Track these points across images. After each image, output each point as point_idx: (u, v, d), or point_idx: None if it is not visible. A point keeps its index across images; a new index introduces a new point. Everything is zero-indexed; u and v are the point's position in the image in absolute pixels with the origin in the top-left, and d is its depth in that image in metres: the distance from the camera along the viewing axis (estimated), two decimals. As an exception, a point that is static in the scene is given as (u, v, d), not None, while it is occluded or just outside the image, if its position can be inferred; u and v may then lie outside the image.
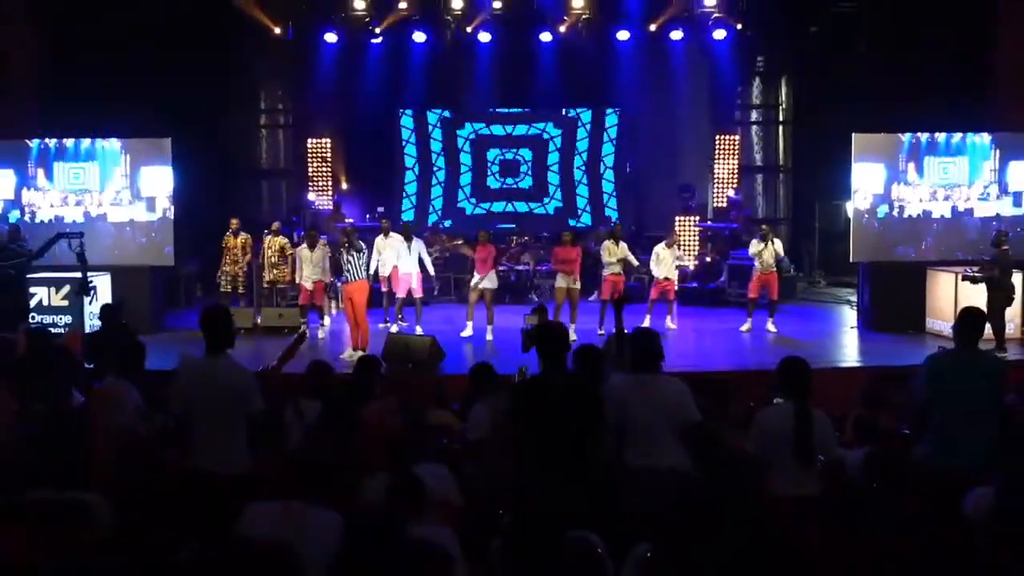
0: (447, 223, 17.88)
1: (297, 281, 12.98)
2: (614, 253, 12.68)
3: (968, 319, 5.63)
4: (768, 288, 12.83)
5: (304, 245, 12.84)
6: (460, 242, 15.75)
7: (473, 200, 18.59)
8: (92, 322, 12.21)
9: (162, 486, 4.85)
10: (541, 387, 5.05)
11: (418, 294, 12.85)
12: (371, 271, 12.52)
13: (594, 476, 4.85)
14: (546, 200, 18.62)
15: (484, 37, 16.95)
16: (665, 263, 12.93)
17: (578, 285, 12.46)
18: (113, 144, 13.24)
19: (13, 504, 3.96)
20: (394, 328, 12.77)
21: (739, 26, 16.59)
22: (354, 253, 11.18)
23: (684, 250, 15.87)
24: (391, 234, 13.24)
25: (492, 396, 6.32)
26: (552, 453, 4.88)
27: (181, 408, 5.05)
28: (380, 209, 13.55)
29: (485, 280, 12.36)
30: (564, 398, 4.97)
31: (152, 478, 4.99)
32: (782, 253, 12.97)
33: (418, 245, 12.99)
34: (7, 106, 13.67)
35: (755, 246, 12.85)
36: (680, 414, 5.10)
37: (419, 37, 16.95)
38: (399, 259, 12.89)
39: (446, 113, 18.46)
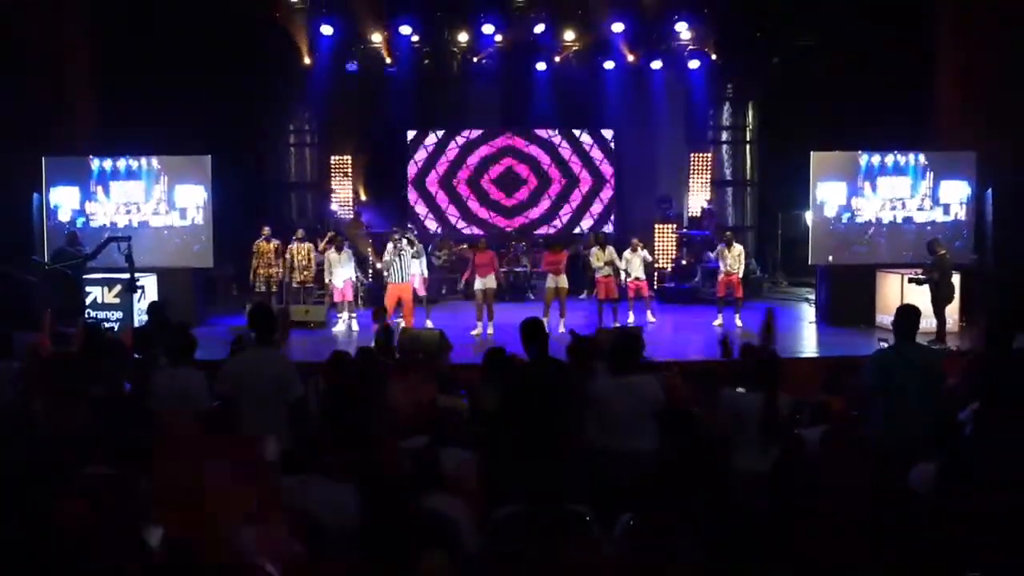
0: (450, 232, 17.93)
1: (327, 281, 13.02)
2: (601, 258, 12.74)
3: (905, 316, 5.64)
4: (732, 287, 12.89)
5: (332, 249, 12.90)
6: (465, 246, 15.80)
7: (475, 211, 18.60)
8: (140, 318, 12.26)
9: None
10: (517, 372, 5.20)
11: (422, 292, 12.87)
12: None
13: (562, 454, 4.93)
14: (543, 210, 18.63)
15: (486, 65, 16.97)
16: (632, 265, 12.97)
17: (565, 285, 12.48)
18: (154, 164, 13.40)
19: (75, 478, 3.98)
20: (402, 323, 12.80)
21: (712, 56, 16.63)
22: (405, 255, 11.26)
23: (657, 253, 15.95)
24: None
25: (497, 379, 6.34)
26: (525, 431, 4.98)
27: (230, 393, 5.05)
28: (412, 229, 13.64)
29: (487, 281, 12.39)
30: (535, 382, 5.11)
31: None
32: (742, 260, 13.02)
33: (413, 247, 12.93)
34: (66, 125, 13.69)
35: (721, 251, 13.01)
36: (654, 405, 5.25)
37: (429, 67, 16.96)
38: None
39: (452, 132, 18.48)
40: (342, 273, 12.80)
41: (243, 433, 4.97)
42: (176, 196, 13.41)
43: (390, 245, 12.02)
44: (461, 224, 18.44)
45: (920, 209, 13.45)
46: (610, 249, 12.87)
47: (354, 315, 12.94)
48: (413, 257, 11.90)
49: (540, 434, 5.00)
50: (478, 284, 12.46)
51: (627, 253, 13.06)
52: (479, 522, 4.02)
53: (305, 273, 13.53)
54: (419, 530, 3.61)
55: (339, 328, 12.86)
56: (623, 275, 12.93)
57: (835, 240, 13.37)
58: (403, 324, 12.62)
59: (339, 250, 12.86)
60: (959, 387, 6.25)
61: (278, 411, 4.99)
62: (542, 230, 18.24)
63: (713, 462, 5.11)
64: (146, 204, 13.42)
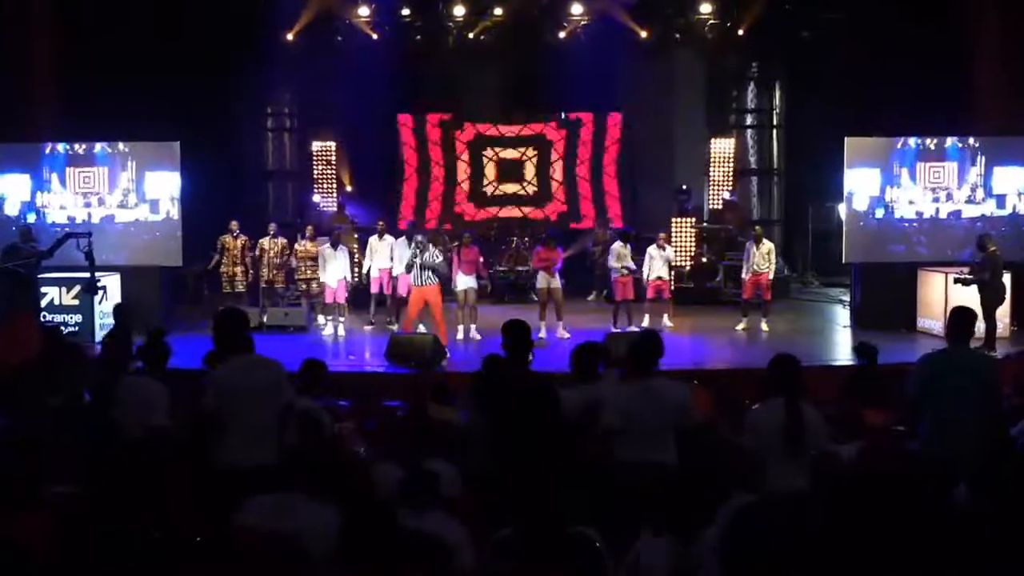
0: (446, 226, 17.92)
1: (321, 280, 13.03)
2: (624, 256, 12.77)
3: (960, 318, 5.67)
4: (760, 289, 12.89)
5: (328, 246, 12.93)
6: (455, 243, 15.78)
7: (472, 203, 18.63)
8: (102, 321, 12.28)
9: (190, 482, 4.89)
10: (498, 382, 5.22)
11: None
12: (364, 271, 12.76)
13: (550, 471, 4.95)
14: (547, 203, 18.64)
15: (485, 42, 16.99)
16: (656, 263, 13.00)
17: (558, 284, 12.49)
18: (120, 149, 13.32)
19: (36, 494, 4.01)
20: (395, 327, 12.81)
21: (736, 31, 16.63)
22: (426, 255, 11.29)
23: (679, 251, 15.95)
24: (386, 236, 13.30)
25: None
26: (510, 445, 5.00)
27: (216, 405, 5.08)
28: (380, 223, 13.64)
29: (470, 280, 12.41)
30: (518, 394, 5.13)
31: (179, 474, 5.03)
32: (772, 258, 12.99)
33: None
34: (28, 111, 13.72)
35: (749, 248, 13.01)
36: (680, 416, 5.27)
37: (421, 43, 16.98)
38: (400, 261, 12.94)
39: (446, 116, 18.51)
40: (336, 271, 12.80)
41: (226, 447, 4.96)
42: (147, 185, 13.32)
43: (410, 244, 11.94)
44: (460, 220, 18.46)
45: (970, 201, 13.11)
46: (629, 247, 13.00)
47: (343, 319, 12.95)
48: (436, 259, 11.55)
49: (526, 451, 5.04)
50: (460, 283, 12.46)
51: (652, 250, 13.08)
52: (477, 543, 4.04)
53: (274, 272, 13.48)
54: (406, 553, 3.64)
55: (327, 332, 12.87)
56: (645, 274, 12.96)
57: (866, 239, 13.19)
58: (395, 328, 12.67)
59: (335, 246, 12.88)
60: (1011, 397, 6.27)
61: (269, 421, 5.01)
62: (547, 226, 18.20)
63: (737, 482, 5.12)
64: (110, 195, 13.34)
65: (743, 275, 13.18)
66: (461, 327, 12.35)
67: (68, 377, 6.98)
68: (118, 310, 9.21)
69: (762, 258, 12.87)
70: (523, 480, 4.71)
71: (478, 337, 12.21)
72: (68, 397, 6.60)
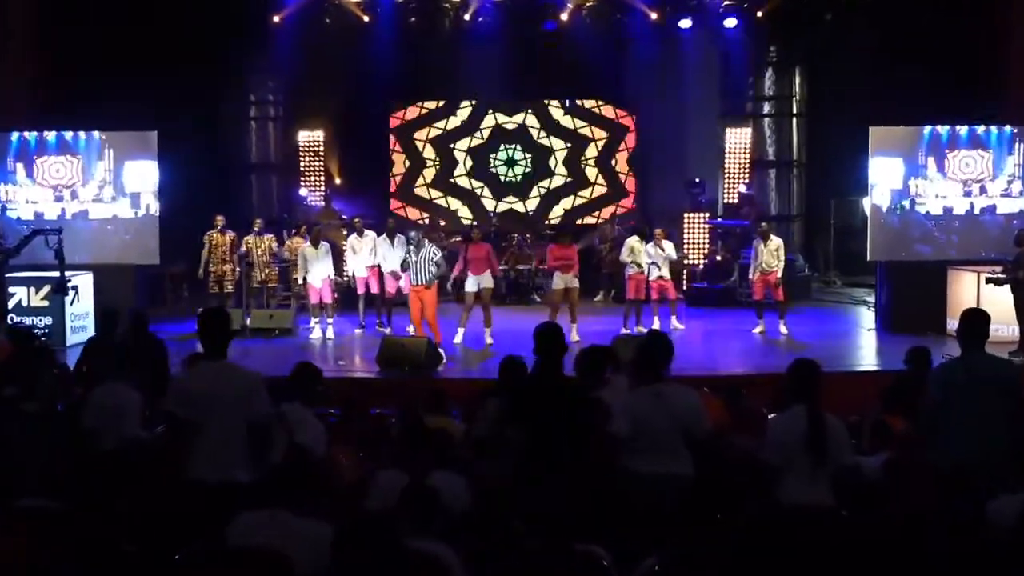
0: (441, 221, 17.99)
1: (300, 280, 13.03)
2: (639, 252, 12.77)
3: (970, 321, 5.63)
4: (770, 288, 12.88)
5: (308, 244, 12.92)
6: (458, 239, 15.78)
7: (468, 194, 18.66)
8: (73, 323, 12.28)
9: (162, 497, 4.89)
10: (531, 389, 5.20)
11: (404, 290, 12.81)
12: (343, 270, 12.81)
13: (583, 480, 4.94)
14: (549, 195, 18.66)
15: (482, 25, 16.99)
16: (656, 262, 12.92)
17: (576, 284, 12.47)
18: (96, 138, 13.29)
19: (8, 508, 4.01)
20: (387, 331, 12.80)
21: (757, 14, 16.61)
22: (423, 252, 11.30)
23: (687, 248, 15.98)
24: (366, 233, 13.27)
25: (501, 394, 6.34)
26: (541, 456, 4.99)
27: (184, 414, 5.06)
28: (356, 220, 13.63)
29: (482, 280, 12.29)
30: (553, 401, 5.12)
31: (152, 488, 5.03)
32: (781, 255, 12.94)
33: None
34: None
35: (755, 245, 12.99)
36: (692, 425, 5.25)
37: (416, 25, 16.99)
38: (385, 259, 12.94)
39: (441, 103, 18.53)
40: (320, 270, 12.80)
41: (199, 461, 4.96)
42: (125, 177, 13.26)
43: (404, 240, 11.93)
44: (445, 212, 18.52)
45: (1006, 194, 12.98)
46: (645, 243, 12.98)
47: (330, 320, 12.95)
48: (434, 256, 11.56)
49: (544, 462, 5.03)
50: (470, 283, 12.34)
51: (648, 248, 13.06)
52: (481, 561, 4.04)
53: (267, 271, 13.51)
54: (401, 572, 3.65)
55: (315, 336, 12.86)
56: (647, 273, 12.95)
57: (891, 236, 13.12)
58: (388, 331, 12.66)
59: (316, 244, 12.87)
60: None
61: (241, 434, 4.99)
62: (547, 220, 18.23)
63: (754, 496, 5.12)
64: (84, 187, 13.29)
65: (750, 275, 13.17)
66: (461, 330, 12.29)
67: (41, 384, 6.97)
68: (105, 315, 9.11)
69: (771, 256, 12.83)
70: (558, 494, 4.73)
71: (491, 341, 12.09)
72: (42, 405, 6.60)
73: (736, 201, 17.53)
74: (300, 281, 13.11)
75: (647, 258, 12.91)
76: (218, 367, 5.07)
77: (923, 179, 13.08)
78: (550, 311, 12.20)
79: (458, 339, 12.23)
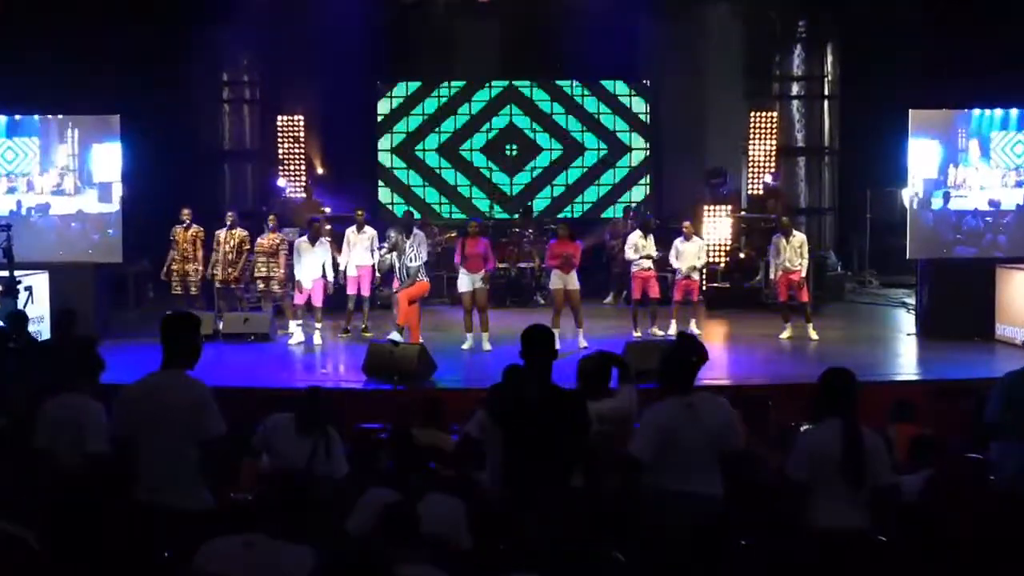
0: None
1: (295, 278, 13.00)
2: (644, 247, 12.77)
3: None
4: (793, 288, 12.86)
5: (304, 239, 12.89)
6: (454, 235, 15.77)
7: (466, 185, 18.70)
8: (32, 328, 12.24)
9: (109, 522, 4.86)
10: (516, 397, 5.18)
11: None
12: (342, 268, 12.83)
13: (568, 499, 4.92)
14: (554, 187, 18.70)
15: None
16: (686, 259, 12.98)
17: (576, 285, 12.46)
18: (58, 120, 13.18)
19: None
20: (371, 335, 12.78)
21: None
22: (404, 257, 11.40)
23: (712, 245, 15.94)
24: (366, 228, 13.25)
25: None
26: (524, 468, 4.97)
27: (125, 433, 5.01)
28: (359, 212, 13.60)
29: (477, 279, 12.28)
30: (539, 411, 5.10)
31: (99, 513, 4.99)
32: (805, 252, 12.92)
33: (418, 238, 12.28)
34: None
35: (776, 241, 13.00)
36: (726, 440, 5.22)
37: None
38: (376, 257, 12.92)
39: (435, 83, 18.57)
40: (312, 270, 12.74)
41: (141, 487, 4.91)
42: (93, 164, 13.13)
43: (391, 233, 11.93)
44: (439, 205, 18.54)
45: None
46: (651, 238, 12.97)
47: (318, 325, 12.90)
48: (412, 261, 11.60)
49: (545, 478, 5.01)
50: (464, 283, 12.33)
51: (678, 242, 13.07)
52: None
53: (229, 270, 13.41)
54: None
55: (296, 340, 12.78)
56: (677, 271, 12.97)
57: (929, 232, 13.09)
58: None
59: (313, 240, 12.82)
60: None
61: (182, 456, 4.91)
62: (551, 213, 18.25)
63: (784, 519, 5.10)
64: (42, 177, 13.19)
65: (771, 274, 13.17)
66: (470, 336, 12.28)
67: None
68: (61, 318, 9.10)
69: (794, 253, 12.83)
70: (539, 515, 4.71)
71: (489, 348, 12.09)
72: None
73: (761, 192, 17.51)
74: (281, 278, 13.09)
75: (675, 253, 12.99)
76: (163, 378, 5.00)
77: (965, 166, 13.03)
78: (552, 314, 12.22)
79: (467, 345, 12.24)
